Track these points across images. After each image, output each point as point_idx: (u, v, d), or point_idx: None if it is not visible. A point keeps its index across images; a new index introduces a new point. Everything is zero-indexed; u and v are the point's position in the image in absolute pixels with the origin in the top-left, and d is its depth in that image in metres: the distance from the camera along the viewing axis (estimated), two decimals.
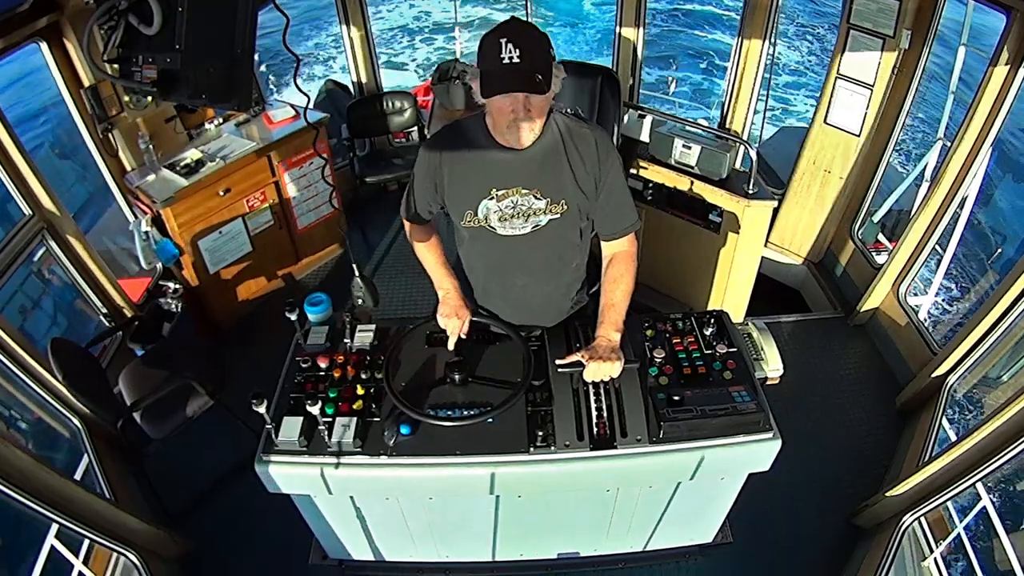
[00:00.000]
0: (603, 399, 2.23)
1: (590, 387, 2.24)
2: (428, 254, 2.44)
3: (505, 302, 2.48)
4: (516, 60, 1.88)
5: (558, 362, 2.24)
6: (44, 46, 3.45)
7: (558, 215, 2.24)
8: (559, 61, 2.00)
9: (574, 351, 2.27)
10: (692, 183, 3.89)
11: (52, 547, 2.72)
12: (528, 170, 2.18)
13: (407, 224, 2.47)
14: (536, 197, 2.20)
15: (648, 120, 4.10)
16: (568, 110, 3.75)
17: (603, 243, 2.38)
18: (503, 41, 1.88)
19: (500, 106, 1.99)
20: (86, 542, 2.86)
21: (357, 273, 2.64)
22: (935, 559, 2.93)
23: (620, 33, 4.93)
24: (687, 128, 3.94)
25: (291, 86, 2.55)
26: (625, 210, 2.32)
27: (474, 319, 2.37)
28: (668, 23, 16.18)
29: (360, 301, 2.54)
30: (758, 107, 4.81)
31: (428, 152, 2.27)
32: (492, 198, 2.20)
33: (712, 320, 2.44)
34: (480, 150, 2.19)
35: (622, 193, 2.30)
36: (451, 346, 2.31)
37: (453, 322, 2.29)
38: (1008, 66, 3.23)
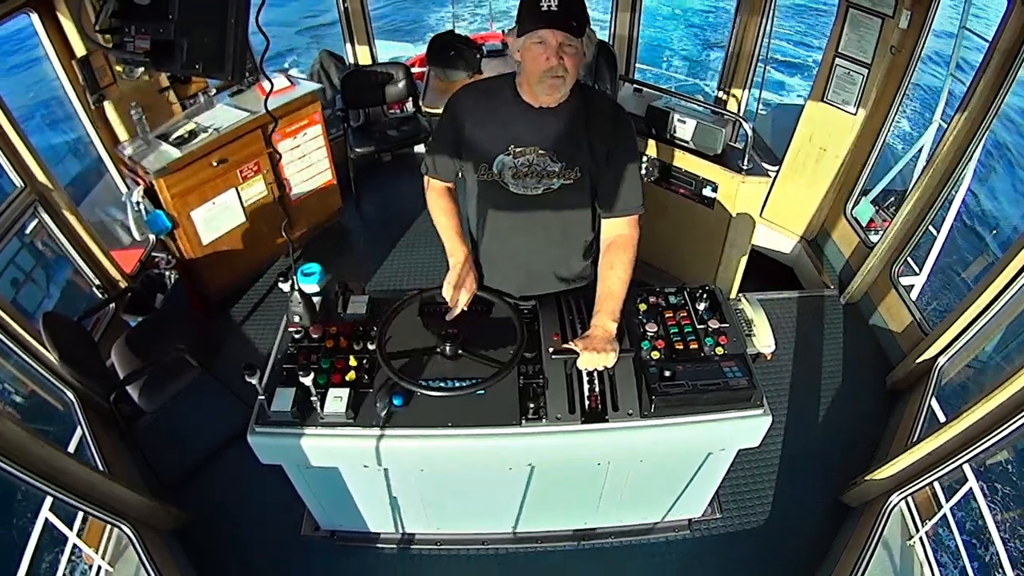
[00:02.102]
0: (595, 373, 2.22)
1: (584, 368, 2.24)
2: (444, 218, 2.42)
3: (507, 261, 2.49)
4: (555, 8, 1.97)
5: (552, 350, 2.23)
6: (35, 17, 3.40)
7: (571, 181, 2.26)
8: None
9: (567, 327, 2.27)
10: (700, 160, 3.87)
11: (47, 520, 2.74)
12: (548, 132, 2.21)
13: (427, 181, 2.47)
14: (552, 159, 2.23)
15: (643, 94, 4.08)
16: (592, 83, 3.75)
17: (603, 222, 2.37)
18: None
19: (535, 54, 2.04)
20: (80, 514, 2.87)
21: (297, 287, 2.41)
22: (921, 538, 2.96)
23: (617, 6, 4.89)
24: (683, 103, 3.91)
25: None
26: (631, 190, 2.31)
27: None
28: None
29: (297, 319, 2.40)
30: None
31: (453, 104, 2.31)
32: (509, 154, 2.23)
33: (705, 295, 2.43)
34: (505, 106, 2.23)
35: (631, 172, 2.30)
36: (451, 316, 2.27)
37: (460, 294, 2.27)
38: (1008, 49, 3.21)
